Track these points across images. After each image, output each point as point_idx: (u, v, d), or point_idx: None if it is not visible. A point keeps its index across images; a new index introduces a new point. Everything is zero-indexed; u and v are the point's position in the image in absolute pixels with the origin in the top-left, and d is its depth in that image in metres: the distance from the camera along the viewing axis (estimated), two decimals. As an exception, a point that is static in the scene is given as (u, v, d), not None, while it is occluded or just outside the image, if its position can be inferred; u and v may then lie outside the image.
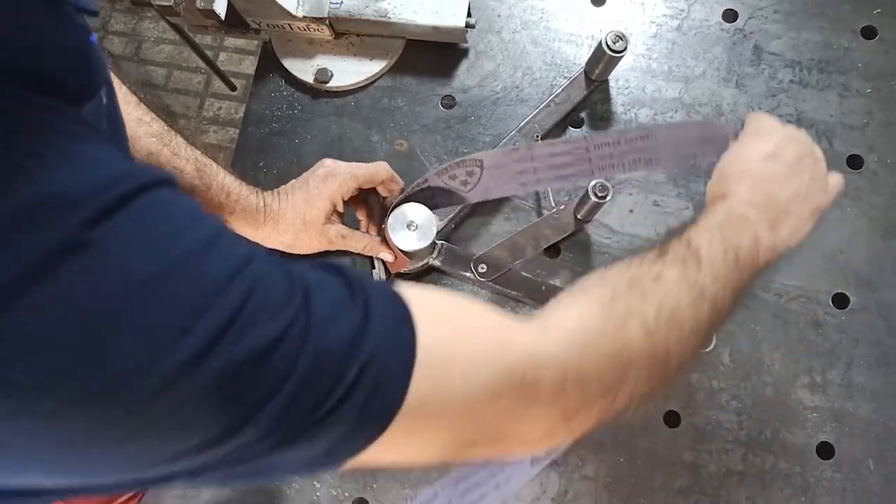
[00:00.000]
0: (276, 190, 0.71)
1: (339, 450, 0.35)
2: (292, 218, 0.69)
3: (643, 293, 0.45)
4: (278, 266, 0.34)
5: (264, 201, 0.69)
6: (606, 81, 0.85)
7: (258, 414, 0.31)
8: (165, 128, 0.65)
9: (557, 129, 0.84)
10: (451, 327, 0.39)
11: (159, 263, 0.29)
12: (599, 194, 0.71)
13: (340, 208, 0.72)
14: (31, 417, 0.26)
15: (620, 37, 0.76)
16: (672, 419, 0.76)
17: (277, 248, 0.71)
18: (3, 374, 0.25)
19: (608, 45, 0.76)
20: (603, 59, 0.78)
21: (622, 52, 0.76)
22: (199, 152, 0.67)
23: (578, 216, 0.77)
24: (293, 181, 0.72)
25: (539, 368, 0.40)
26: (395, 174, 0.74)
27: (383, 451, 0.36)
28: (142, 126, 0.62)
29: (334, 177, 0.70)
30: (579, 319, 0.43)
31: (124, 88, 0.63)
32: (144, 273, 0.28)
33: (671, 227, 0.53)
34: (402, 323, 0.36)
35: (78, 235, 0.27)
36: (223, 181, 0.67)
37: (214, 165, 0.67)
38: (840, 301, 0.78)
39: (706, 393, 0.76)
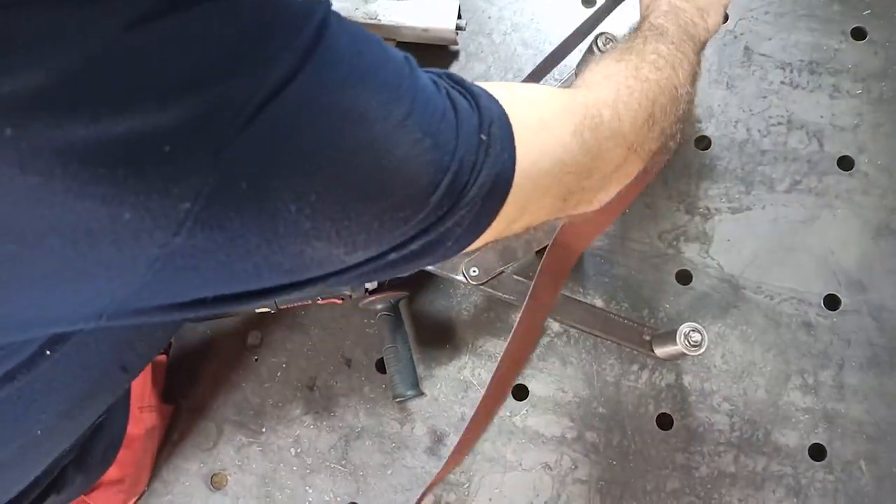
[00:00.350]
0: None
1: (481, 214, 0.41)
2: None
3: (639, 53, 0.55)
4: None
5: None
6: None
7: (449, 166, 0.37)
8: None
9: None
10: (526, 100, 0.46)
11: (366, 51, 0.36)
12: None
13: None
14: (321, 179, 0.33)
15: (611, 39, 0.76)
16: (664, 421, 0.76)
17: None
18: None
19: (598, 48, 0.76)
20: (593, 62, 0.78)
21: None
22: None
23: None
24: None
25: (598, 106, 0.48)
26: None
27: (501, 224, 0.43)
28: None
29: None
30: (607, 78, 0.52)
31: None
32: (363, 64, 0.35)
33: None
34: (503, 118, 0.42)
35: (317, 34, 0.32)
36: None
37: None
38: (831, 302, 0.78)
39: (698, 395, 0.76)
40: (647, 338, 0.75)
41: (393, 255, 0.38)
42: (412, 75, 0.38)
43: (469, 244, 0.43)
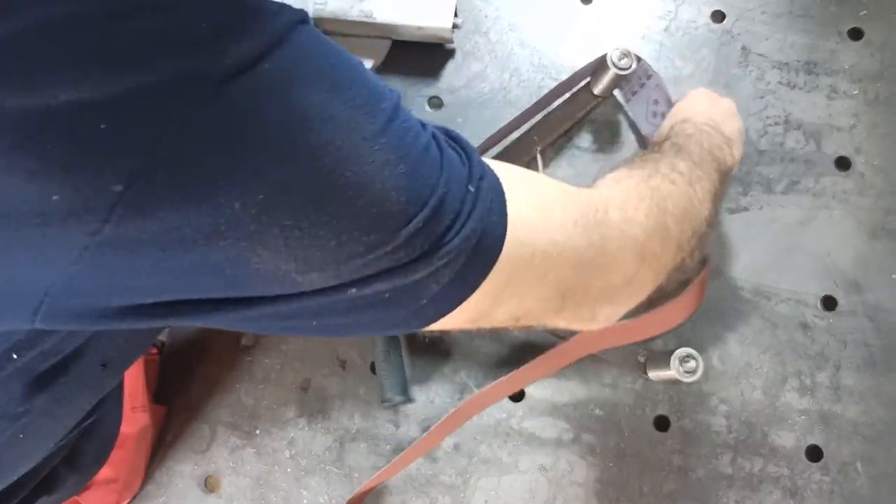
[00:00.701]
0: None
1: (463, 275, 0.37)
2: None
3: (654, 163, 0.54)
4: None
5: None
6: (612, 97, 0.83)
7: (428, 200, 0.35)
8: None
9: (555, 145, 0.83)
10: (526, 179, 0.45)
11: (342, 63, 0.34)
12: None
13: None
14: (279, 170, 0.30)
15: (626, 54, 0.74)
16: (661, 423, 0.76)
17: None
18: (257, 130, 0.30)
19: (613, 63, 0.73)
20: (607, 76, 0.76)
21: (628, 69, 0.74)
22: None
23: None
24: None
25: (605, 203, 0.46)
26: None
27: (485, 300, 0.39)
28: None
29: None
30: (616, 182, 0.51)
31: None
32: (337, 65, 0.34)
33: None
34: (497, 182, 0.40)
35: (287, 30, 0.31)
36: None
37: None
38: (828, 303, 0.78)
39: (695, 397, 0.76)
40: (642, 360, 0.74)
41: (354, 291, 0.35)
42: (394, 104, 0.36)
43: (445, 310, 0.39)
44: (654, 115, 0.78)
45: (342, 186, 0.32)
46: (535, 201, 0.42)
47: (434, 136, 0.38)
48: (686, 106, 0.72)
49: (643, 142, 0.82)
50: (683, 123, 0.65)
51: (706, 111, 0.69)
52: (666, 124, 0.68)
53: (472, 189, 0.37)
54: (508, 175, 0.41)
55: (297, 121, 0.31)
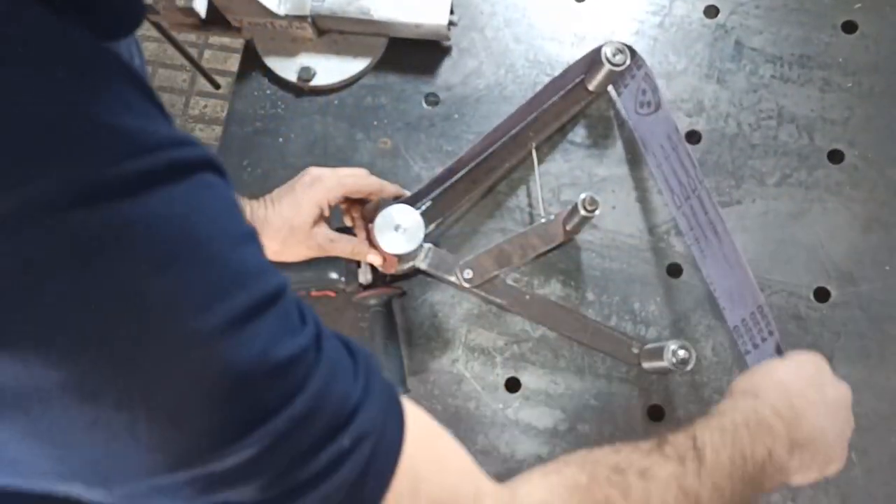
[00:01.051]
0: (262, 198, 0.71)
1: None
2: (279, 225, 0.69)
3: (625, 487, 0.43)
4: (295, 295, 0.34)
5: (250, 209, 0.68)
6: (606, 93, 0.84)
7: (257, 428, 0.29)
8: None
9: (550, 141, 0.84)
10: (434, 453, 0.40)
11: (197, 234, 0.28)
12: (588, 208, 0.70)
13: (327, 213, 0.72)
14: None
15: (621, 49, 0.75)
16: (655, 413, 0.76)
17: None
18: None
19: (608, 59, 0.74)
20: (601, 72, 0.77)
21: (622, 65, 0.75)
22: None
23: (567, 228, 0.76)
24: (278, 189, 0.72)
25: None
26: (386, 184, 0.74)
27: None
28: None
29: (321, 182, 0.70)
30: (547, 501, 0.42)
31: None
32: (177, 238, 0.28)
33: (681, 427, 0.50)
34: (395, 417, 0.37)
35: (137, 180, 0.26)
36: None
37: None
38: (821, 295, 0.78)
39: (689, 387, 0.76)
40: (636, 350, 0.75)
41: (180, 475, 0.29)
42: (264, 296, 0.31)
43: None
44: (642, 105, 0.79)
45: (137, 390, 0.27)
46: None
47: (320, 352, 0.33)
48: (768, 376, 0.56)
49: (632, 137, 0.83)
50: (738, 398, 0.52)
51: (789, 398, 0.53)
52: (726, 402, 0.52)
53: (346, 443, 0.33)
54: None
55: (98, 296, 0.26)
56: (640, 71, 0.77)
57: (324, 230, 0.72)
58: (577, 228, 0.77)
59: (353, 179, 0.72)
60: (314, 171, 0.71)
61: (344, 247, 0.72)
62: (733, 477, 0.46)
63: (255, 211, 0.69)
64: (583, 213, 0.70)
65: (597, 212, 0.70)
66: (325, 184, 0.70)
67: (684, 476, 0.44)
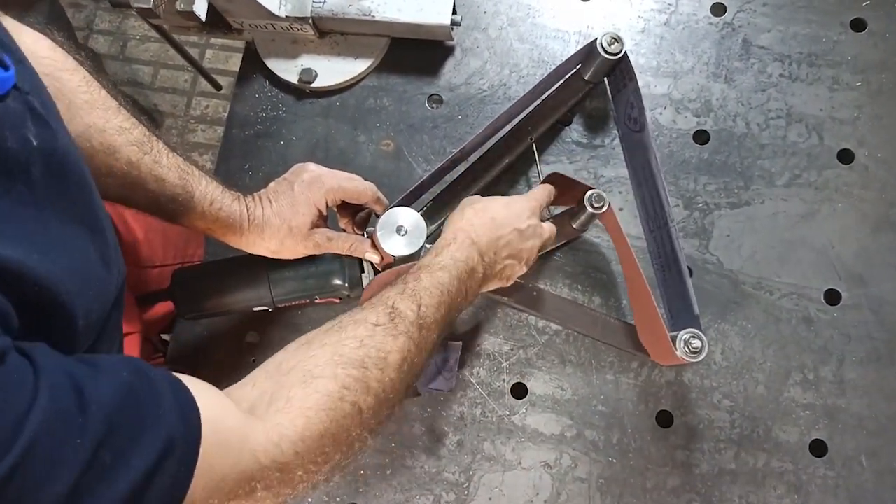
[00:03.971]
0: (257, 195, 0.69)
1: None
2: (278, 225, 0.68)
3: (366, 383, 0.51)
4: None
5: (247, 209, 0.67)
6: (602, 83, 0.83)
7: None
8: (147, 134, 0.63)
9: (550, 132, 0.83)
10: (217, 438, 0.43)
11: None
12: (595, 205, 0.70)
13: (325, 213, 0.71)
14: None
15: (616, 39, 0.74)
16: (664, 419, 0.75)
17: (263, 254, 0.70)
18: None
19: (603, 48, 0.74)
20: (597, 62, 0.76)
21: (618, 54, 0.74)
22: (182, 159, 0.65)
23: (574, 225, 0.76)
24: (274, 184, 0.70)
25: (268, 475, 0.45)
26: (381, 196, 0.73)
27: None
28: (122, 135, 0.60)
29: (321, 184, 0.69)
30: (305, 430, 0.48)
31: (103, 93, 0.61)
32: None
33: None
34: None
35: None
36: (206, 189, 0.65)
37: (197, 172, 0.66)
38: (831, 297, 0.77)
39: (698, 392, 0.76)
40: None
41: None
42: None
43: None
44: (629, 118, 0.78)
45: None
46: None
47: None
48: (483, 213, 0.66)
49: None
50: (458, 258, 0.62)
51: (493, 238, 0.65)
52: (451, 250, 0.62)
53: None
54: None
55: None
56: (631, 83, 0.76)
57: (322, 230, 0.71)
58: (585, 226, 0.76)
59: (354, 184, 0.71)
60: (312, 169, 0.70)
61: (342, 244, 0.71)
62: (440, 324, 0.58)
63: (251, 210, 0.68)
64: (590, 209, 0.70)
65: (604, 208, 0.70)
66: (324, 185, 0.69)
67: (409, 348, 0.54)
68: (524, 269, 0.68)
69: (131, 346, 0.76)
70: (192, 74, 2.03)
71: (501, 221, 0.65)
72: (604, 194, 0.70)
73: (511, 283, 0.69)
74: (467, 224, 0.65)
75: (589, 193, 0.70)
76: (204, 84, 1.98)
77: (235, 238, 0.67)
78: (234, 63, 2.03)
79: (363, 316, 0.55)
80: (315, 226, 0.70)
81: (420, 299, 0.57)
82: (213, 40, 2.05)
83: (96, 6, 2.11)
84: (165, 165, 0.63)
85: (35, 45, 0.56)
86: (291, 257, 0.70)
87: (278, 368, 0.51)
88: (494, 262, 0.65)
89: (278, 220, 0.68)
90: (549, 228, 0.70)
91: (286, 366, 0.51)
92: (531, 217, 0.67)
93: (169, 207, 0.64)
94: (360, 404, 0.50)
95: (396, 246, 0.70)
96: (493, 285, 0.68)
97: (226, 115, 1.98)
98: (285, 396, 0.48)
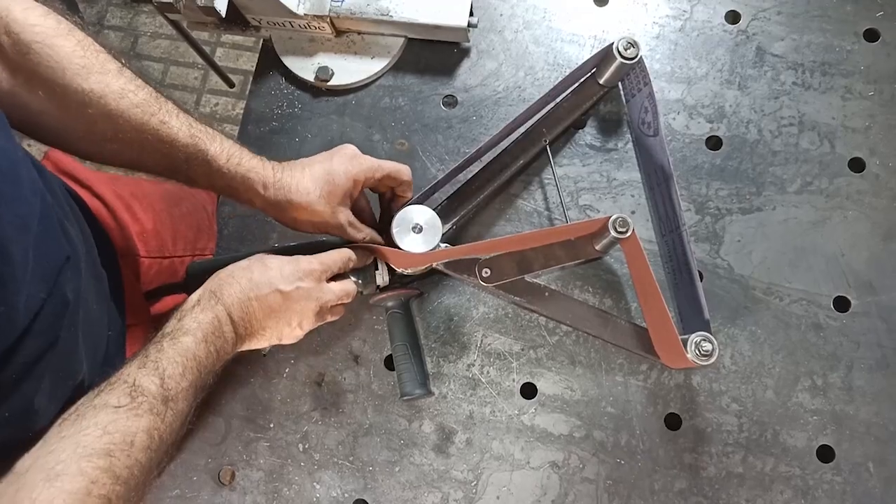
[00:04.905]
0: (289, 162, 0.69)
1: None
2: (310, 188, 0.66)
3: (116, 472, 0.49)
4: None
5: (272, 169, 0.66)
6: (616, 87, 0.84)
7: None
8: (154, 95, 0.62)
9: (564, 135, 0.84)
10: None
11: None
12: (619, 230, 0.69)
13: (356, 193, 0.71)
14: None
15: (632, 43, 0.75)
16: (672, 421, 0.76)
17: (282, 219, 0.69)
18: None
19: (619, 52, 0.75)
20: (613, 65, 0.77)
21: (634, 59, 0.75)
22: (194, 118, 0.64)
23: (597, 248, 0.75)
24: (309, 158, 0.70)
25: None
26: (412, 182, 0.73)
27: None
28: (124, 98, 0.59)
29: (362, 159, 0.69)
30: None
31: (101, 56, 0.60)
32: None
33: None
34: None
35: None
36: (221, 146, 0.64)
37: (211, 131, 0.65)
38: (841, 304, 0.78)
39: (707, 395, 0.76)
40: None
41: None
42: None
43: None
44: (643, 123, 0.79)
45: None
46: None
47: None
48: (231, 277, 0.64)
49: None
50: (202, 321, 0.60)
51: (250, 294, 0.63)
52: (195, 313, 0.60)
53: None
54: None
55: None
56: (645, 88, 0.77)
57: (347, 210, 0.70)
58: (606, 249, 0.76)
59: (392, 163, 0.71)
60: (353, 148, 0.71)
61: (358, 232, 0.71)
62: (188, 391, 0.56)
63: (276, 172, 0.67)
64: (613, 234, 0.69)
65: (627, 234, 0.69)
66: (364, 162, 0.69)
67: (156, 425, 0.52)
68: (299, 331, 0.67)
69: (135, 339, 0.76)
70: (203, 72, 2.04)
71: (258, 281, 0.63)
72: (629, 220, 0.69)
73: (288, 342, 0.68)
74: (218, 282, 0.63)
75: (613, 217, 0.69)
76: (214, 81, 1.99)
77: (259, 197, 0.66)
78: (245, 61, 2.04)
79: (102, 400, 0.51)
80: (343, 203, 0.69)
81: (163, 370, 0.55)
82: (223, 39, 2.06)
83: (108, 2, 2.12)
84: (175, 126, 0.61)
85: (25, 13, 0.55)
86: (302, 230, 0.70)
87: (14, 470, 0.47)
88: (249, 322, 0.63)
89: (312, 183, 0.67)
90: (336, 289, 0.68)
91: (22, 465, 0.47)
92: (303, 280, 0.65)
93: (183, 168, 0.62)
94: (109, 496, 0.48)
95: (413, 243, 0.70)
96: (258, 344, 0.67)
97: (235, 113, 1.98)
98: (28, 498, 0.45)
